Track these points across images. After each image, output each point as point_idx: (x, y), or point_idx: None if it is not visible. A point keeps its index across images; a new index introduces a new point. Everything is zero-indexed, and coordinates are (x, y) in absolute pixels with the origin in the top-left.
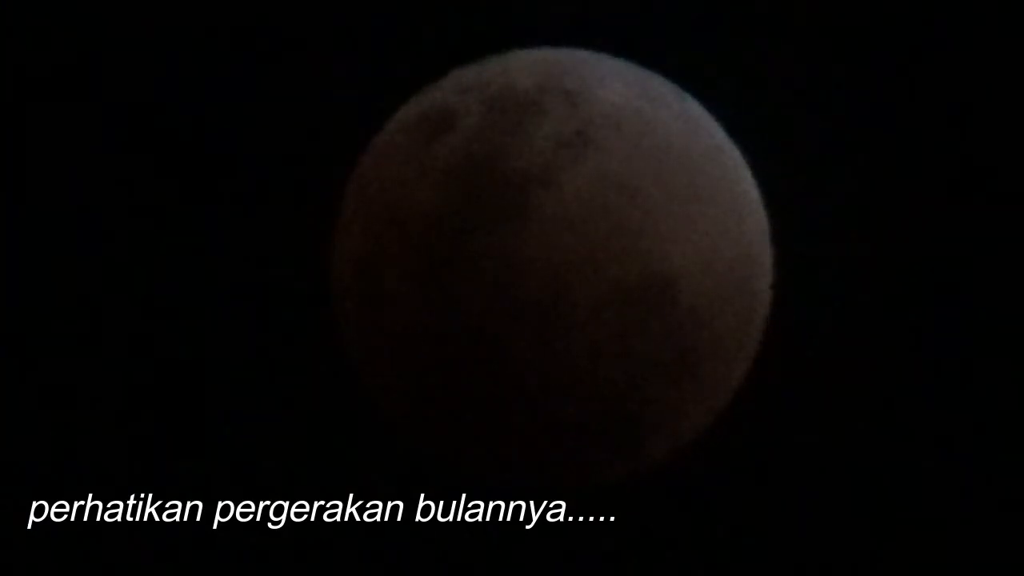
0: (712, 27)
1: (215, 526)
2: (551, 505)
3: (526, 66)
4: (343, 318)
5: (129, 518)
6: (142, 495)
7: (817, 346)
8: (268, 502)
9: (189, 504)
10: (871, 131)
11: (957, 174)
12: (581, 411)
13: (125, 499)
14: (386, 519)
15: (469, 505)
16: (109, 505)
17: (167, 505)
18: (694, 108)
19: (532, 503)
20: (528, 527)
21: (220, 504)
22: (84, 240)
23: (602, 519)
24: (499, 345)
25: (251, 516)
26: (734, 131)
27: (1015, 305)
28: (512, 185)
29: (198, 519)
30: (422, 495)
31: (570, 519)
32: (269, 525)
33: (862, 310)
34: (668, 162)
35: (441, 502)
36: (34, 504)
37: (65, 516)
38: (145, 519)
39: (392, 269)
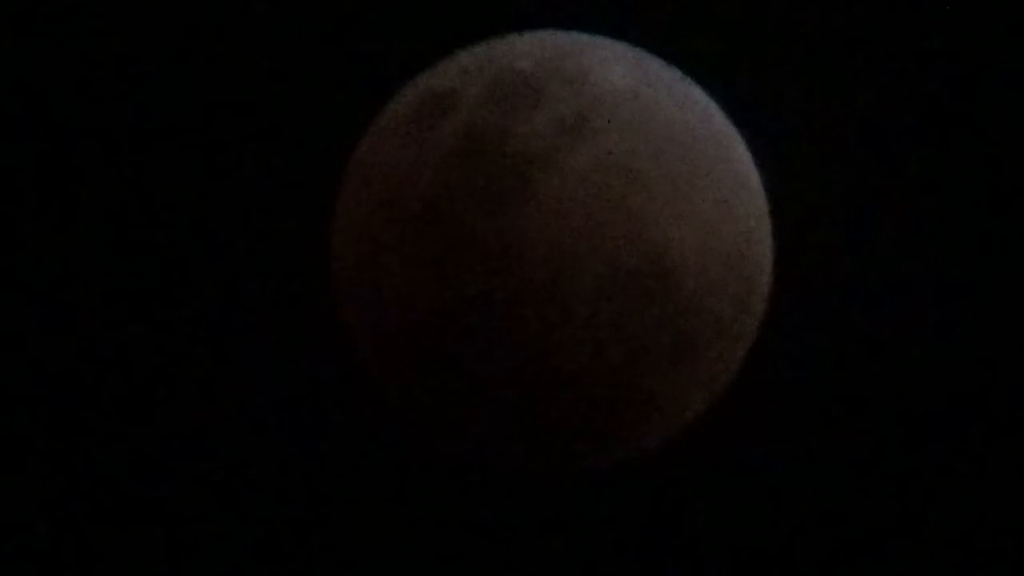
0: (713, 12)
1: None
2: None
3: (527, 49)
4: (343, 302)
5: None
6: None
7: (817, 331)
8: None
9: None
10: (872, 118)
11: (958, 161)
12: (580, 394)
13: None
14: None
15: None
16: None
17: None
18: (695, 92)
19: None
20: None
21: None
22: (80, 237)
23: (601, 503)
24: (499, 328)
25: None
26: (735, 115)
27: (1015, 292)
28: (512, 168)
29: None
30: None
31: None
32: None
33: (862, 296)
34: (668, 146)
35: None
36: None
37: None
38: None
39: (392, 252)
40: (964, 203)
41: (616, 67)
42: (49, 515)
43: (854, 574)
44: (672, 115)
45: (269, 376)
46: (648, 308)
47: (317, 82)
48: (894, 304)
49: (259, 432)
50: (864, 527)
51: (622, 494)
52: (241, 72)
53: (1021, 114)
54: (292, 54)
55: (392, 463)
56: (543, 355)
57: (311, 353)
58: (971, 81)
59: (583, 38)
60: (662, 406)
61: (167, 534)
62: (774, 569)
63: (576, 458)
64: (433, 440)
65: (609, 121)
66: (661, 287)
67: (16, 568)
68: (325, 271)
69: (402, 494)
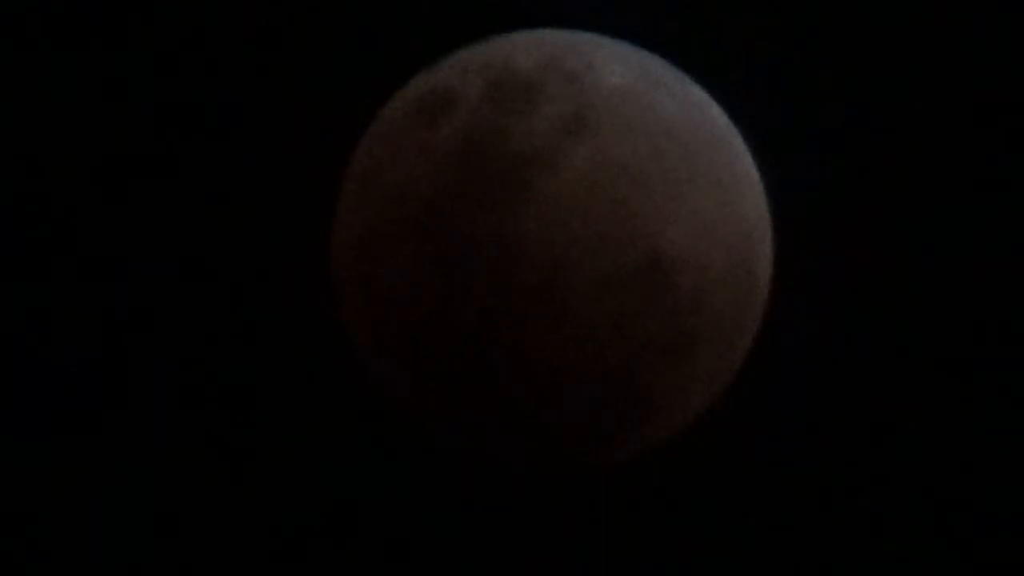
0: (714, 11)
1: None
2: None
3: (527, 47)
4: (343, 302)
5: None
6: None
7: (817, 329)
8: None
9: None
10: (873, 118)
11: (959, 161)
12: (580, 394)
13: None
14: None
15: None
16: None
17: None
18: (695, 91)
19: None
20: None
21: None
22: (79, 238)
23: (601, 503)
24: (498, 328)
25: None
26: (735, 115)
27: (1016, 291)
28: (512, 167)
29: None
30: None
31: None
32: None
33: (862, 294)
34: (668, 145)
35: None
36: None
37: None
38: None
39: (391, 251)
40: (965, 202)
41: (616, 66)
42: (49, 517)
43: (854, 574)
44: (672, 114)
45: (269, 376)
46: (648, 307)
47: (317, 82)
48: (894, 304)
49: (259, 432)
50: (865, 527)
51: (622, 494)
52: (240, 72)
53: (1023, 113)
54: (292, 54)
55: (392, 463)
56: (543, 355)
57: (311, 353)
58: (972, 80)
59: (583, 37)
60: (662, 405)
61: (165, 534)
62: (775, 568)
63: (576, 458)
64: (433, 440)
65: (609, 120)
66: (661, 286)
67: (16, 568)
68: (325, 271)
69: (402, 494)
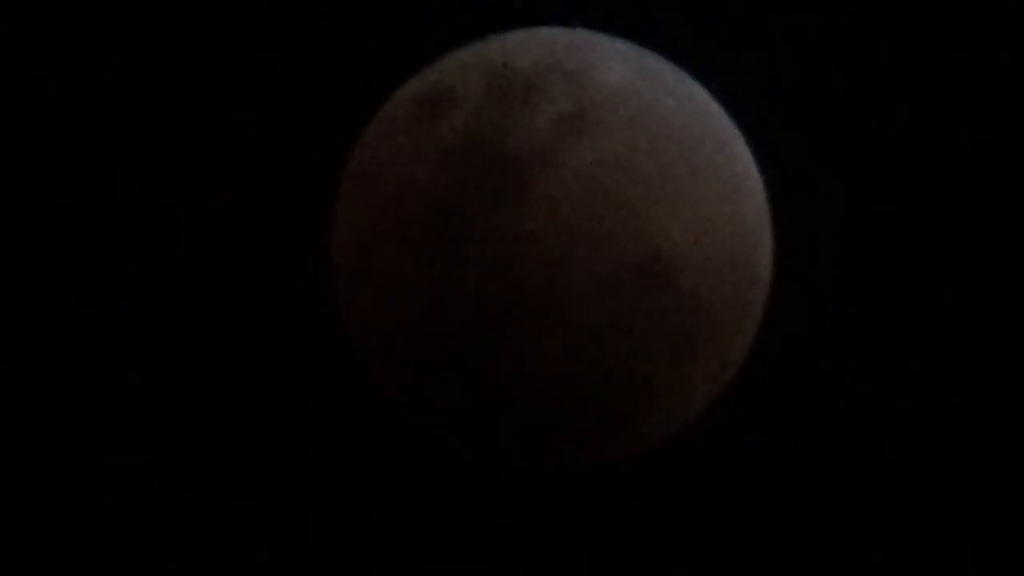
0: (715, 9)
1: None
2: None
3: (526, 46)
4: (343, 302)
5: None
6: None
7: (817, 326)
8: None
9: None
10: (873, 117)
11: (959, 161)
12: (579, 392)
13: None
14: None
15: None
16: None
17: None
18: (694, 88)
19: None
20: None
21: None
22: (78, 238)
23: (602, 502)
24: (498, 326)
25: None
26: (735, 114)
27: (1016, 291)
28: (511, 165)
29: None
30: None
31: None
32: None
33: (862, 291)
34: (667, 142)
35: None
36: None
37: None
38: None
39: (391, 249)
40: (965, 203)
41: (616, 64)
42: (49, 522)
43: (854, 572)
44: (672, 112)
45: (269, 376)
46: (647, 304)
47: (317, 81)
48: (894, 303)
49: (259, 432)
50: (864, 527)
51: (622, 494)
52: (241, 71)
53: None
54: (291, 53)
55: (392, 463)
56: (543, 354)
57: (311, 353)
58: (972, 80)
59: (583, 35)
60: (662, 404)
61: (164, 534)
62: (775, 568)
63: (577, 456)
64: (433, 440)
65: (609, 119)
66: (660, 283)
67: (16, 568)
68: (325, 271)
69: (402, 494)
